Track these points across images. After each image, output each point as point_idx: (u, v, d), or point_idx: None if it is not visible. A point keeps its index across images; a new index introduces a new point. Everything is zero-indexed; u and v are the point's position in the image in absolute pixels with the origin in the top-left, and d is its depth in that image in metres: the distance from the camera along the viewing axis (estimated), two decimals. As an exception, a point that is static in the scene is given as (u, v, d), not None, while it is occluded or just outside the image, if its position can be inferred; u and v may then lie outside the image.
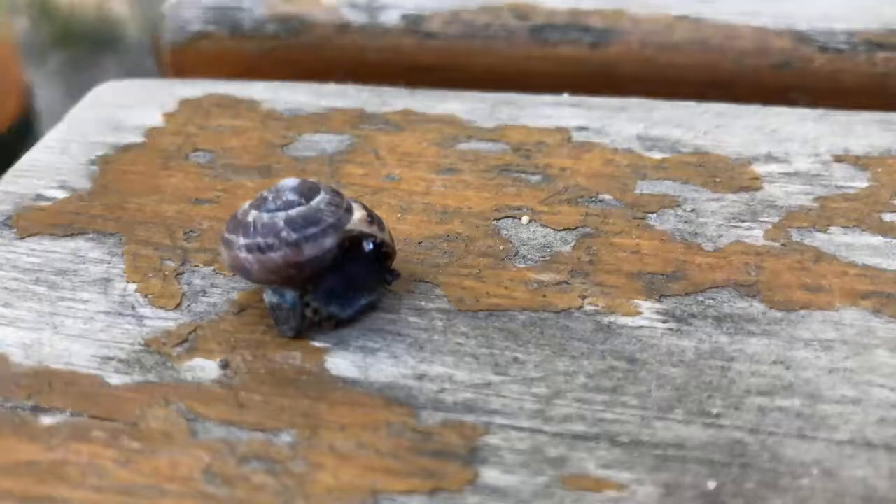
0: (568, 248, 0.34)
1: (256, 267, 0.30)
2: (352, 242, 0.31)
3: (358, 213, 0.32)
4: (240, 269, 0.31)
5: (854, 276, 0.32)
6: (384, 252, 0.32)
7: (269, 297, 0.31)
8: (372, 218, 0.32)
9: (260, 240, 0.30)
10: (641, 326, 0.31)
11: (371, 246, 0.32)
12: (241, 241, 0.31)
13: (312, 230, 0.30)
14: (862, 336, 0.30)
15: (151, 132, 0.43)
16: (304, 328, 0.31)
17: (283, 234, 0.30)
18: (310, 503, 0.26)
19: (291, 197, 0.31)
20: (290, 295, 0.31)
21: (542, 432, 0.28)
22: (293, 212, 0.31)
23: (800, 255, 0.34)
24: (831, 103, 0.43)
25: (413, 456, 0.27)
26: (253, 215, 0.31)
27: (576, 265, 0.34)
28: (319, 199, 0.31)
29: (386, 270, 0.32)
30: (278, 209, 0.31)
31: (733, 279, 0.33)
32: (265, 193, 0.31)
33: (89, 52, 1.47)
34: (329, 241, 0.31)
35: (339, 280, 0.31)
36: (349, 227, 0.31)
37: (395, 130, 0.42)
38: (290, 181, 0.32)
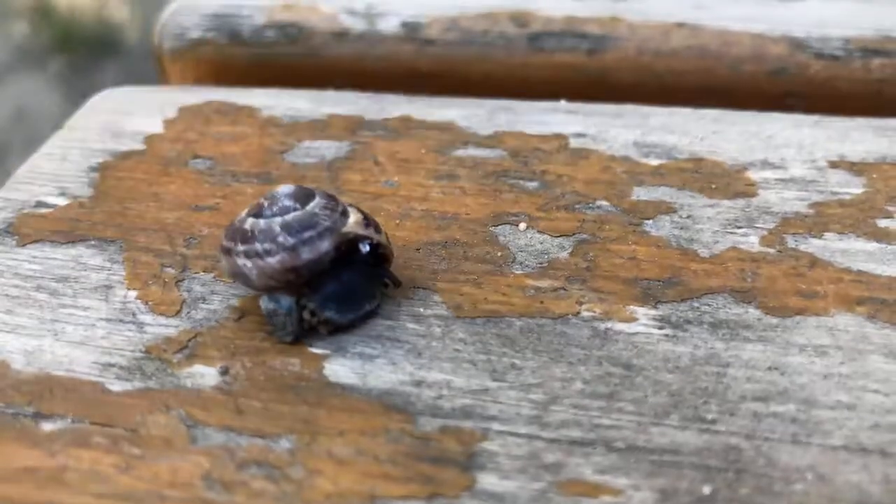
0: (565, 254, 0.35)
1: (255, 273, 0.31)
2: (348, 245, 0.31)
3: (354, 217, 0.32)
4: (240, 276, 0.31)
5: (849, 282, 0.33)
6: (381, 254, 0.32)
7: (265, 303, 0.31)
8: (368, 221, 0.32)
9: (258, 245, 0.30)
10: (638, 332, 0.31)
11: (367, 248, 0.32)
12: (240, 247, 0.31)
13: (309, 234, 0.31)
14: (857, 342, 0.30)
15: (151, 139, 0.43)
16: (302, 333, 0.31)
17: (280, 238, 0.30)
18: (309, 509, 0.26)
19: (287, 202, 0.31)
20: (286, 300, 0.31)
21: (539, 438, 0.28)
22: (289, 217, 0.31)
23: (795, 261, 0.34)
24: (827, 109, 0.43)
25: (411, 462, 0.27)
26: (250, 222, 0.31)
27: (573, 271, 0.34)
28: (315, 204, 0.31)
29: (385, 275, 0.33)
30: (274, 215, 0.31)
31: (729, 285, 0.33)
32: (261, 200, 0.32)
33: (89, 57, 1.48)
34: (325, 245, 0.31)
35: (337, 287, 0.31)
36: (345, 230, 0.31)
37: (393, 137, 0.42)
38: (286, 187, 0.32)
